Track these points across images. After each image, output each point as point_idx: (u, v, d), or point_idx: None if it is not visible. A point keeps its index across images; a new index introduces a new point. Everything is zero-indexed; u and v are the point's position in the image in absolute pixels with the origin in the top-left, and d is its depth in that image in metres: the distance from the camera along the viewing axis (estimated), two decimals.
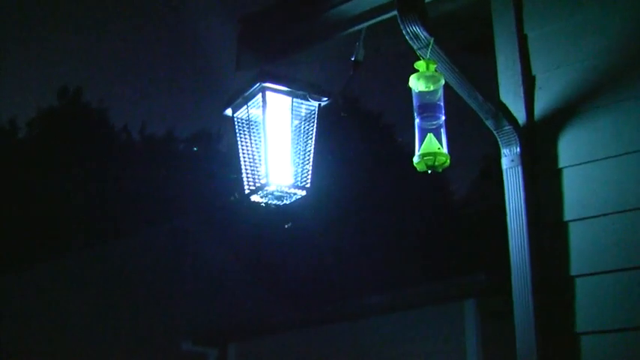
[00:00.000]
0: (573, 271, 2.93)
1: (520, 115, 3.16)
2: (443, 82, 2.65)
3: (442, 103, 2.63)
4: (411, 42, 2.72)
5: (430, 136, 2.59)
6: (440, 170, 2.59)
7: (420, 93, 2.64)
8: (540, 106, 3.18)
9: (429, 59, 2.68)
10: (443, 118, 2.62)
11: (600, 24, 3.13)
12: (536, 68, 3.25)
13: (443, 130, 2.61)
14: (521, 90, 3.22)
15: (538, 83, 3.22)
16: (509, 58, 3.29)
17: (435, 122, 2.61)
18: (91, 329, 12.42)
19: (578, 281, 2.91)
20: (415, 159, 2.58)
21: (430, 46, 2.70)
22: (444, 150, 2.58)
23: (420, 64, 2.65)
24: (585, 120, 3.06)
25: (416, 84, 2.64)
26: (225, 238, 15.98)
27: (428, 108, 2.61)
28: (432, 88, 2.64)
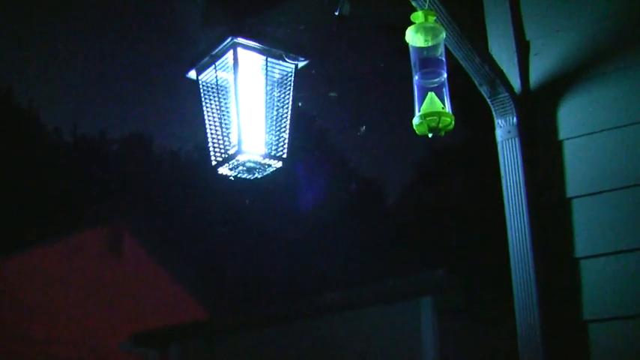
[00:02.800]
0: (578, 253, 2.65)
1: (515, 83, 2.88)
2: (444, 35, 2.33)
3: (444, 58, 2.31)
4: None
5: (432, 95, 2.26)
6: (442, 134, 2.26)
7: (419, 47, 2.31)
8: (536, 74, 2.90)
9: (427, 10, 2.36)
10: (445, 74, 2.30)
11: None
12: (531, 33, 2.97)
13: (445, 89, 2.29)
14: (514, 57, 2.94)
15: (533, 49, 2.94)
16: (501, 22, 3.01)
17: (436, 80, 2.29)
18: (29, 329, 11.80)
19: (584, 263, 2.63)
20: (415, 120, 2.25)
21: None
22: (448, 110, 2.26)
23: (417, 15, 2.33)
24: (587, 88, 2.79)
25: (413, 37, 2.32)
26: (166, 236, 15.46)
27: (428, 63, 2.29)
28: (430, 43, 2.32)
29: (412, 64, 2.31)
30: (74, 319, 12.46)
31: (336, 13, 2.62)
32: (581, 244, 2.64)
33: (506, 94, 2.77)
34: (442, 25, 2.41)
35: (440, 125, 2.23)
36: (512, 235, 2.72)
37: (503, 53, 2.95)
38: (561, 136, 2.78)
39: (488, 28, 3.04)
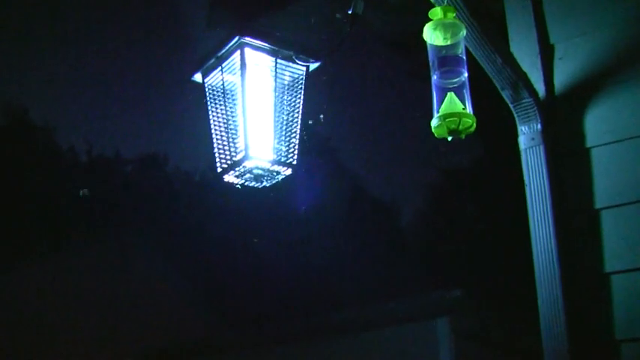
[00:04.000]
0: (608, 268, 2.47)
1: (539, 88, 2.72)
2: (464, 32, 2.18)
3: (464, 57, 2.16)
4: None
5: (451, 95, 2.11)
6: (463, 137, 2.11)
7: (437, 46, 2.16)
8: (561, 78, 2.74)
9: (446, 6, 2.21)
10: (465, 74, 2.14)
11: None
12: (555, 36, 2.81)
13: (466, 90, 2.13)
14: (538, 60, 2.78)
15: (558, 53, 2.78)
16: (523, 25, 2.85)
17: (456, 79, 2.13)
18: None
19: (615, 279, 2.45)
20: (434, 122, 2.10)
21: None
22: (469, 111, 2.10)
23: (436, 12, 2.18)
24: (615, 93, 2.62)
25: (431, 35, 2.17)
26: (172, 255, 15.35)
27: (447, 62, 2.14)
28: (450, 41, 2.16)
29: (430, 62, 2.16)
30: (77, 334, 12.36)
31: (350, 12, 2.47)
32: (612, 259, 2.47)
33: (530, 99, 2.61)
34: (462, 21, 2.26)
35: (460, 127, 2.07)
36: (537, 249, 2.55)
37: (525, 57, 2.79)
38: (588, 143, 2.61)
39: (509, 31, 2.88)
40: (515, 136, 2.72)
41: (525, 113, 2.64)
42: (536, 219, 2.57)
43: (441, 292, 6.69)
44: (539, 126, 2.63)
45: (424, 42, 2.22)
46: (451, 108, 2.08)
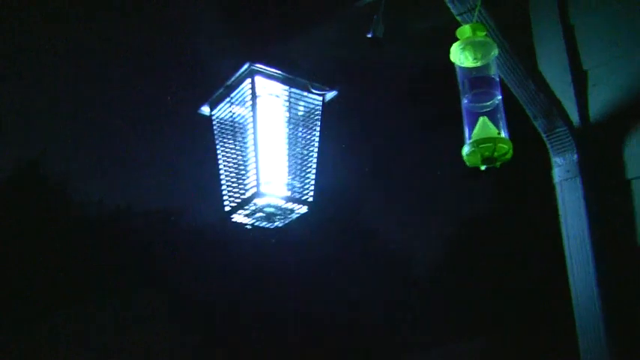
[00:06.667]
0: None
1: (572, 117, 2.52)
2: (497, 51, 1.98)
3: (498, 78, 1.96)
4: (450, 5, 2.08)
5: (484, 119, 1.90)
6: (498, 165, 1.89)
7: (467, 68, 1.96)
8: (596, 106, 2.55)
9: (475, 23, 2.02)
10: (499, 96, 1.94)
11: None
12: (588, 62, 2.63)
13: (500, 114, 1.93)
14: (571, 88, 2.59)
15: (591, 80, 2.59)
16: (554, 51, 2.68)
17: (488, 103, 1.93)
18: None
19: None
20: (465, 149, 1.88)
21: (477, 10, 2.05)
22: (504, 136, 1.89)
23: (464, 30, 1.99)
24: None
25: (460, 56, 1.97)
26: (184, 311, 15.15)
27: (478, 83, 1.93)
28: (480, 62, 1.97)
29: (460, 84, 1.96)
30: None
31: (369, 36, 2.28)
32: None
33: (565, 127, 2.41)
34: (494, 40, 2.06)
35: (495, 154, 1.86)
36: (576, 293, 2.32)
37: (557, 85, 2.59)
38: (629, 174, 2.41)
39: (538, 58, 2.71)
40: (548, 169, 2.51)
41: (560, 143, 2.44)
42: (573, 259, 2.35)
43: (464, 340, 6.44)
44: (575, 157, 2.42)
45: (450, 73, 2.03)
46: (485, 133, 1.87)
